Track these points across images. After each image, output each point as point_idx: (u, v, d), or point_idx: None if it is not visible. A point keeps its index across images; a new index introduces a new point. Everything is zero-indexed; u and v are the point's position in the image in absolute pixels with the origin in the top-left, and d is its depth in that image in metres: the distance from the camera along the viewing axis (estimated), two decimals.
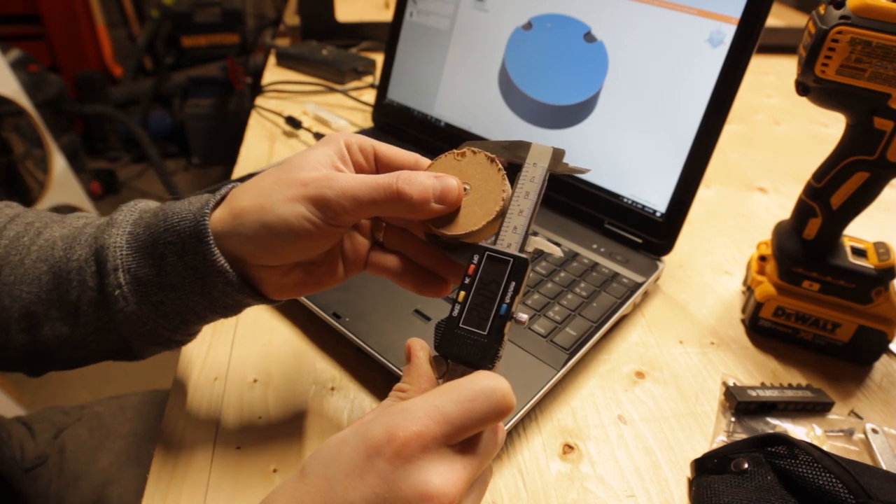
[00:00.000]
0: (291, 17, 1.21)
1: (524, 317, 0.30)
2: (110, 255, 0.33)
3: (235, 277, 0.33)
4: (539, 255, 0.54)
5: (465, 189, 0.33)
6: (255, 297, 0.35)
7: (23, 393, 1.42)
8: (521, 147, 0.33)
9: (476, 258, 0.30)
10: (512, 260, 0.30)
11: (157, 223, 0.33)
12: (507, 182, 0.33)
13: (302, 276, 0.35)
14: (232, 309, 0.35)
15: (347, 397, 0.44)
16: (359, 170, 0.35)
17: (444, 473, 0.24)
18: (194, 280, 0.33)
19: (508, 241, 0.31)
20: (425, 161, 0.35)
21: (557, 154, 0.32)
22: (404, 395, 0.28)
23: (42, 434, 0.58)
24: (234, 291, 0.33)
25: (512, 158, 0.34)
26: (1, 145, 1.58)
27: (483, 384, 0.25)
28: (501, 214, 0.32)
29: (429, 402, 0.25)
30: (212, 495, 0.37)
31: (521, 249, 0.31)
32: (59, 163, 1.69)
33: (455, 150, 0.34)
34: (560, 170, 0.33)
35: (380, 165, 0.35)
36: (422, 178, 0.31)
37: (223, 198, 0.34)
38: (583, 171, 0.33)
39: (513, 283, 0.29)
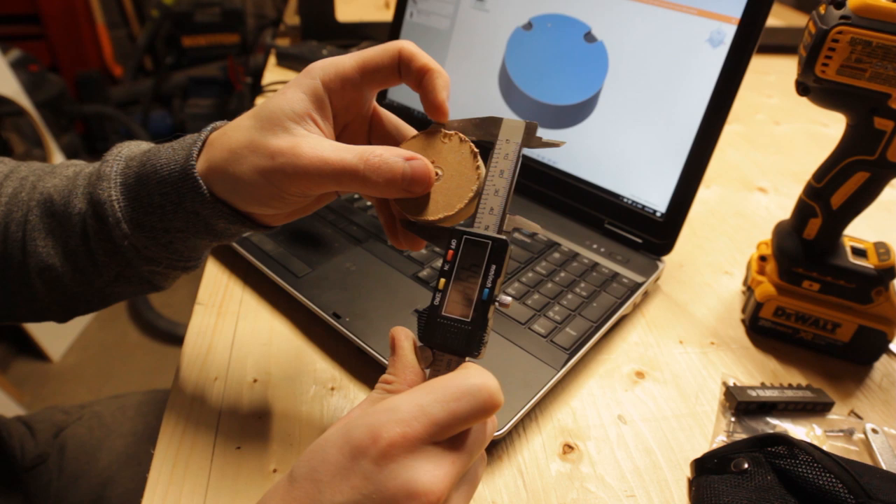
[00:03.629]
0: (291, 17, 1.21)
1: (507, 299, 0.29)
2: (108, 210, 0.34)
3: (236, 216, 0.34)
4: (543, 248, 0.54)
5: (437, 174, 0.32)
6: (254, 227, 0.36)
7: (23, 393, 1.42)
8: (493, 123, 0.32)
9: (454, 243, 0.29)
10: (491, 242, 0.29)
11: (146, 174, 0.34)
12: (482, 171, 0.32)
13: (290, 212, 0.36)
14: (234, 236, 0.37)
15: (347, 397, 0.44)
16: (346, 105, 0.34)
17: (431, 470, 0.24)
18: (198, 222, 0.34)
19: (486, 223, 0.30)
20: (409, 54, 0.32)
21: (530, 128, 0.31)
22: (390, 386, 0.28)
23: (42, 433, 0.58)
24: (236, 226, 0.35)
25: (484, 136, 0.32)
26: (1, 145, 1.58)
27: (469, 382, 0.25)
28: (474, 199, 0.31)
29: (413, 402, 0.24)
30: (212, 495, 0.37)
31: (500, 230, 0.30)
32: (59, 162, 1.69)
33: (443, 131, 0.33)
34: (534, 144, 0.32)
35: (367, 81, 0.33)
36: (391, 163, 0.30)
37: (205, 143, 0.34)
38: (557, 145, 0.32)
39: (493, 266, 0.28)
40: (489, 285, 0.28)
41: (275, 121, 0.31)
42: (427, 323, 0.29)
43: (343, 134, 0.36)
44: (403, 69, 0.33)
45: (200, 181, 0.32)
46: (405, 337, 0.30)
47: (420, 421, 0.24)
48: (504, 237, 0.29)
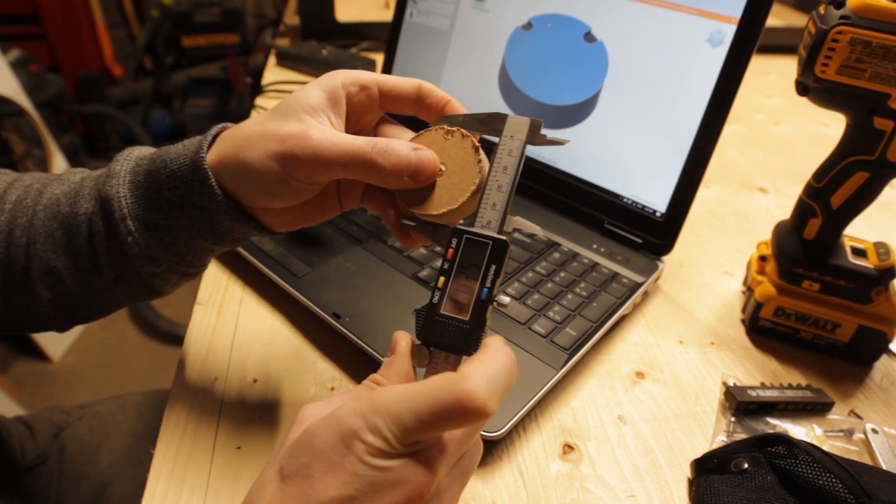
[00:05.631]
0: (291, 17, 1.21)
1: (506, 299, 0.29)
2: (116, 206, 0.34)
3: (241, 213, 0.34)
4: (543, 248, 0.54)
5: (441, 169, 0.33)
6: (260, 230, 0.36)
7: (23, 393, 1.42)
8: (497, 119, 0.32)
9: (454, 242, 0.29)
10: (491, 242, 0.29)
11: (156, 170, 0.34)
12: (484, 165, 0.32)
13: (294, 216, 0.37)
14: (238, 241, 0.37)
15: None
16: (359, 109, 0.35)
17: (420, 461, 0.24)
18: (202, 218, 0.34)
19: (488, 219, 0.30)
20: (429, 88, 0.35)
21: (535, 125, 0.31)
22: (377, 387, 0.28)
23: (42, 433, 0.58)
24: (240, 226, 0.35)
25: (488, 132, 0.33)
26: (1, 145, 1.58)
27: (457, 388, 0.23)
28: (477, 193, 0.31)
29: (402, 399, 0.24)
30: (212, 495, 0.37)
31: (501, 228, 0.30)
32: (59, 163, 1.69)
33: (446, 128, 0.34)
34: (538, 142, 0.32)
35: (384, 99, 0.35)
36: (398, 150, 0.31)
37: (215, 138, 0.35)
38: (561, 143, 0.32)
39: (493, 267, 0.29)
40: (488, 285, 0.28)
41: (289, 112, 0.32)
42: (425, 321, 0.29)
43: None
44: (422, 100, 0.35)
45: (209, 171, 0.33)
46: (405, 344, 0.29)
47: (405, 420, 0.23)
48: (504, 237, 0.29)
